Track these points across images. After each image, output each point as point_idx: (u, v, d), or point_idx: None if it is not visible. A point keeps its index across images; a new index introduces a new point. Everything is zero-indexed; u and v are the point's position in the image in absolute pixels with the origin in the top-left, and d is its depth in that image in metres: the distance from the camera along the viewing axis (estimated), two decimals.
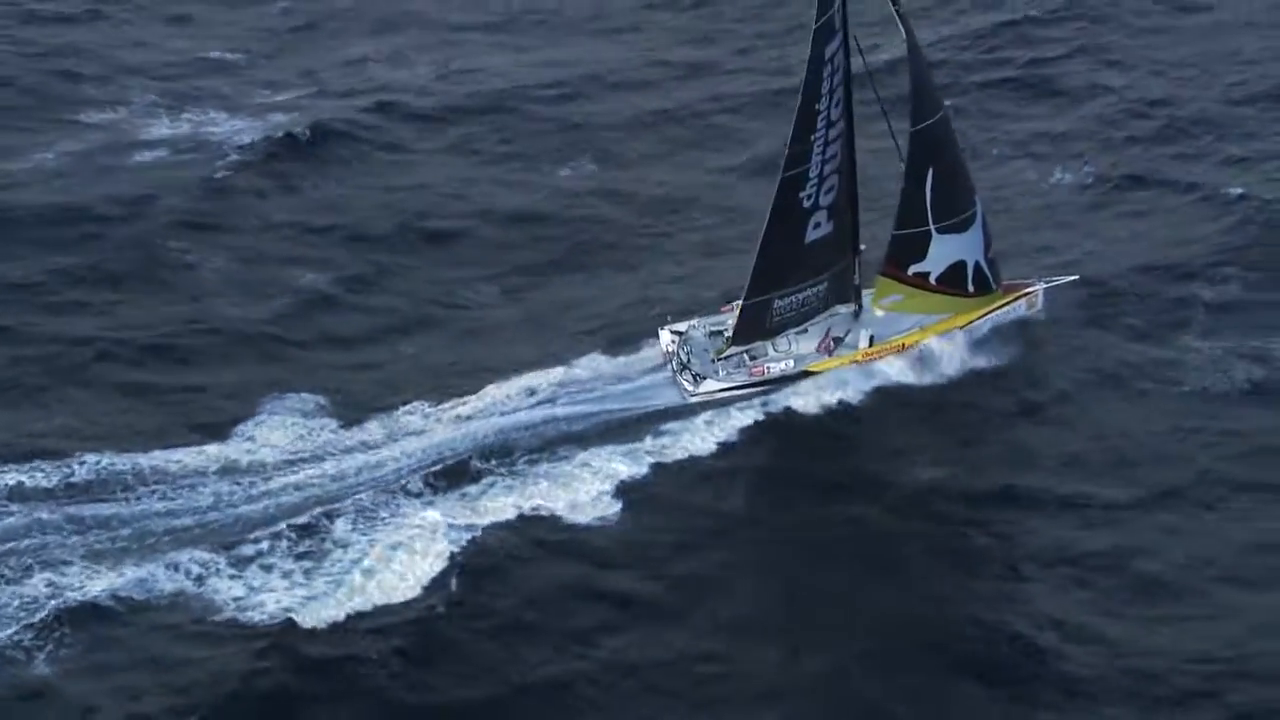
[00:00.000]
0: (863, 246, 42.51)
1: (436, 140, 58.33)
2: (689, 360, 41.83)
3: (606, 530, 36.39)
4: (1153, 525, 36.12)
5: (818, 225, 40.49)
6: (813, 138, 38.81)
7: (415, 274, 48.91)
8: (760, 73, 62.18)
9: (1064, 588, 34.30)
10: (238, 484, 37.53)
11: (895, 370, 41.56)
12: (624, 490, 37.43)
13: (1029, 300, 43.50)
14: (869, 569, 35.34)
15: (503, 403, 40.60)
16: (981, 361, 42.10)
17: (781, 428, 40.12)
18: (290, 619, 32.80)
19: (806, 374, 41.84)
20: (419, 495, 37.04)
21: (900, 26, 38.88)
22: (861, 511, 37.17)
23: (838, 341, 42.50)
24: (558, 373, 41.55)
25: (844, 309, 43.12)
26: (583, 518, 36.66)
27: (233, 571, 34.56)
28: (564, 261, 49.35)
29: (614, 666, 32.41)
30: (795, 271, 40.95)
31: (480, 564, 34.81)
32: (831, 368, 41.99)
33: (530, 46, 66.97)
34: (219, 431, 39.51)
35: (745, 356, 42.11)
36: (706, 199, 52.96)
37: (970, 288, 42.33)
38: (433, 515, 36.11)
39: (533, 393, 40.83)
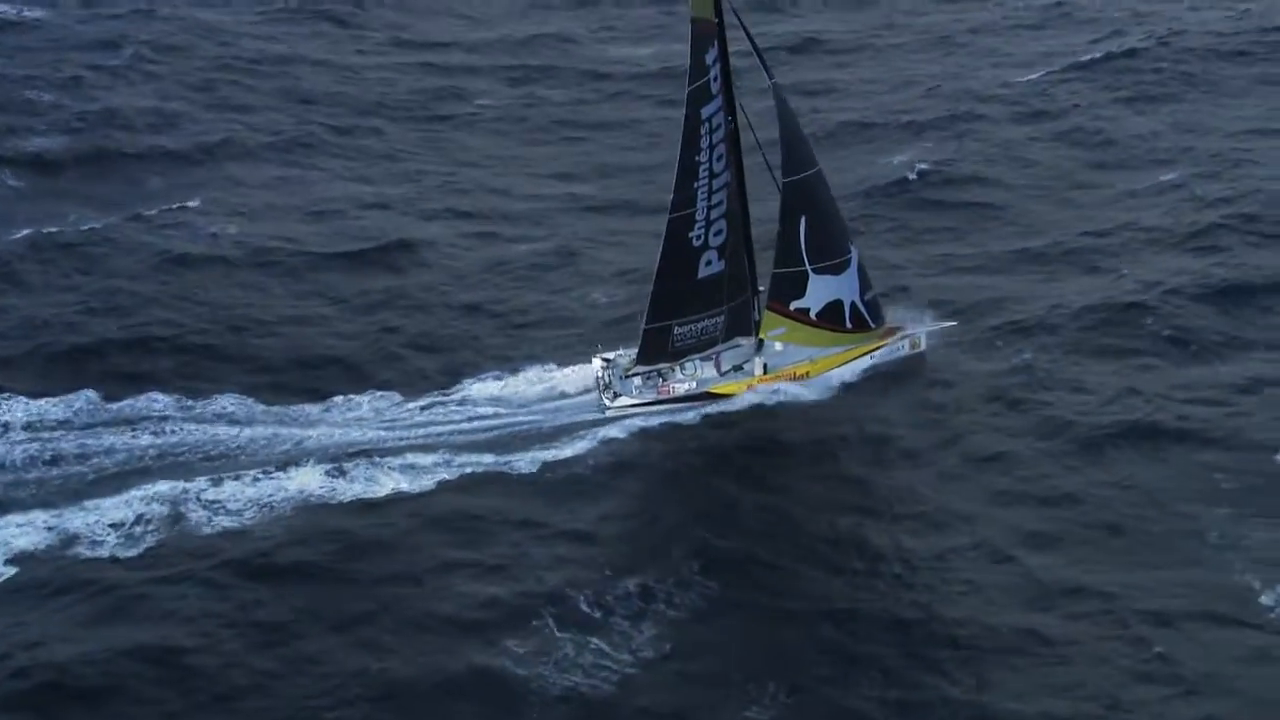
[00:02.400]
0: (761, 288, 49.79)
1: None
2: (610, 381, 49.38)
3: None
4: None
5: (709, 263, 47.94)
6: (695, 185, 46.47)
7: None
8: None
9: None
10: None
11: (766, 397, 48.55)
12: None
13: (912, 341, 50.05)
14: None
15: None
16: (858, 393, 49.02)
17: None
18: None
19: (709, 395, 49.09)
20: None
21: (774, 96, 46.71)
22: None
23: (737, 369, 49.68)
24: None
25: (745, 341, 50.23)
26: None
27: None
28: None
29: None
30: (691, 302, 48.30)
31: None
32: (729, 391, 49.10)
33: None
34: None
35: (658, 378, 49.52)
36: None
37: (848, 324, 49.13)
38: None
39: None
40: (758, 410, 47.92)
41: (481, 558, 40.80)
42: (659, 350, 48.99)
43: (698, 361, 49.77)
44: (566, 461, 45.16)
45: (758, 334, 49.76)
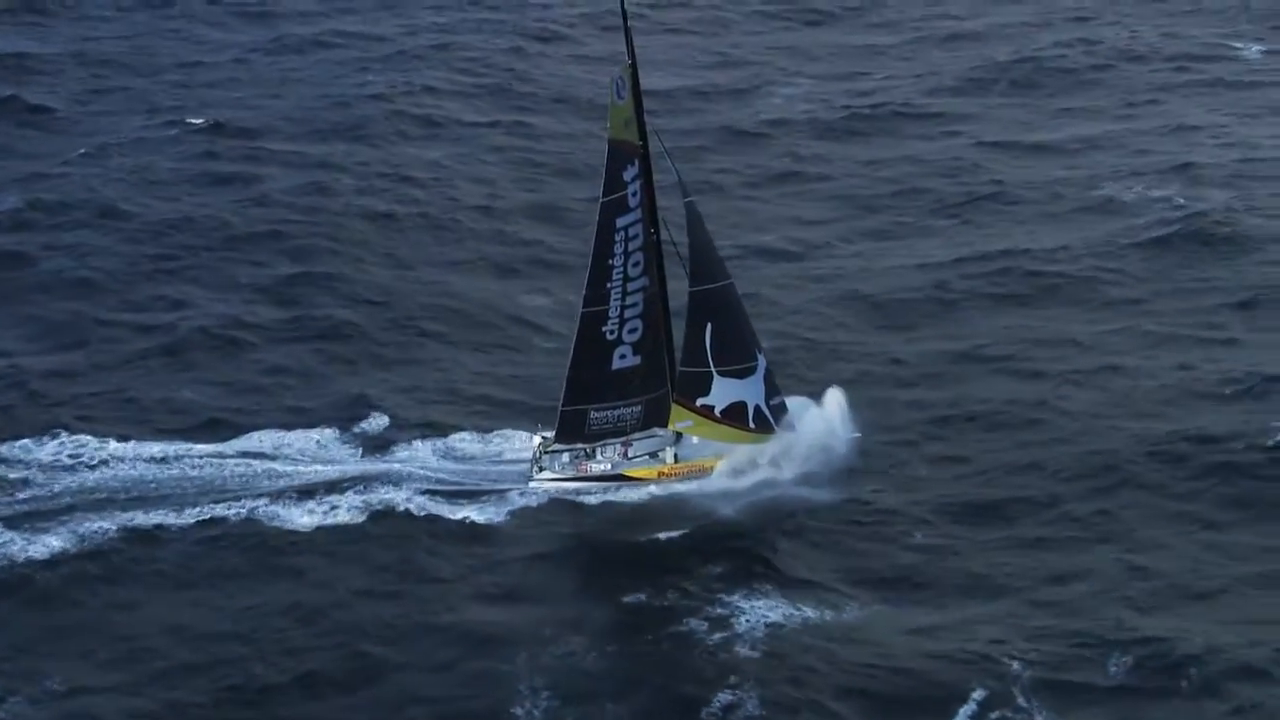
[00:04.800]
0: None
1: None
2: (540, 457, 54.61)
3: None
4: None
5: (624, 356, 52.66)
6: (608, 285, 51.39)
7: None
8: None
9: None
10: None
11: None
12: None
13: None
14: None
15: None
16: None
17: None
18: None
19: (622, 477, 53.86)
20: None
21: (687, 213, 51.43)
22: None
23: (652, 456, 54.27)
24: None
25: (664, 431, 54.74)
26: None
27: None
28: None
29: None
30: (607, 391, 52.99)
31: None
32: (640, 475, 53.73)
33: None
34: None
35: (583, 456, 54.47)
36: None
37: (751, 425, 53.10)
38: None
39: None
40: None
41: None
42: (575, 432, 53.95)
43: (616, 445, 54.60)
44: None
45: (669, 425, 54.29)
